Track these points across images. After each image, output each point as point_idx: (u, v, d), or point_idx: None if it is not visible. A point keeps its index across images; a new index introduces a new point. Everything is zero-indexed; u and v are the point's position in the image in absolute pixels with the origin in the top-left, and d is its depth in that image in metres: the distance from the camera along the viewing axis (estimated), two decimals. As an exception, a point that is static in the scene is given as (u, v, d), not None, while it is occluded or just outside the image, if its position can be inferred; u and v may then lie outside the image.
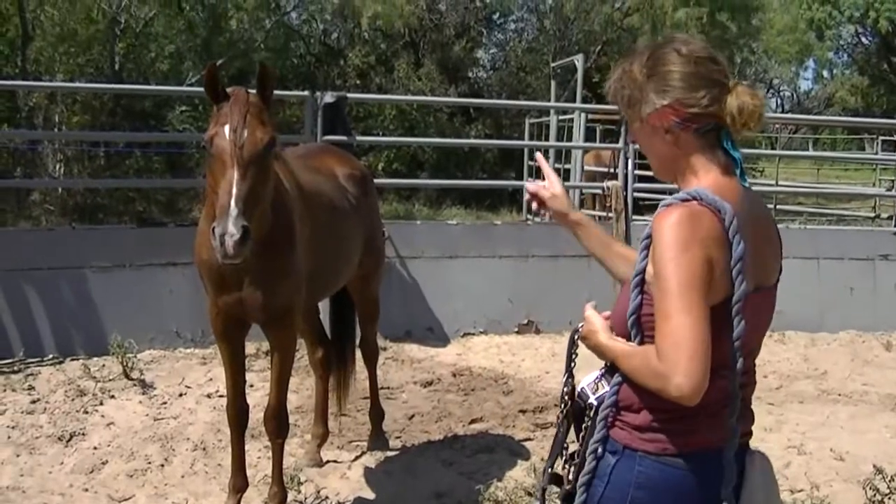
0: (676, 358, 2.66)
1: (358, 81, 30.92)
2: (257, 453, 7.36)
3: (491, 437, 8.11)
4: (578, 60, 18.97)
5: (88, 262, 10.03)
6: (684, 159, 2.98)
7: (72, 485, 6.87)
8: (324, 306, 7.87)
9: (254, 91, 5.40)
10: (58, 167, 23.61)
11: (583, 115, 16.93)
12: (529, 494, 6.64)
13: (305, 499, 6.66)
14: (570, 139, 17.37)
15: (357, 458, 7.59)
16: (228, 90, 5.34)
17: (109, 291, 10.05)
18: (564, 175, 17.51)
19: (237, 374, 6.24)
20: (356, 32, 33.58)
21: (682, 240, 2.73)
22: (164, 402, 8.71)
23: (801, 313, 12.01)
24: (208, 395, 8.85)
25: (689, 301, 2.68)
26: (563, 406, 3.19)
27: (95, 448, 7.58)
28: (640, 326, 2.91)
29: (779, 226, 3.16)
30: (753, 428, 3.13)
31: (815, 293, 12.34)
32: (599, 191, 14.63)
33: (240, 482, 6.31)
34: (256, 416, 6.60)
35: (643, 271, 2.89)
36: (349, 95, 12.68)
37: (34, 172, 23.20)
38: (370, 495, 6.88)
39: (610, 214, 12.30)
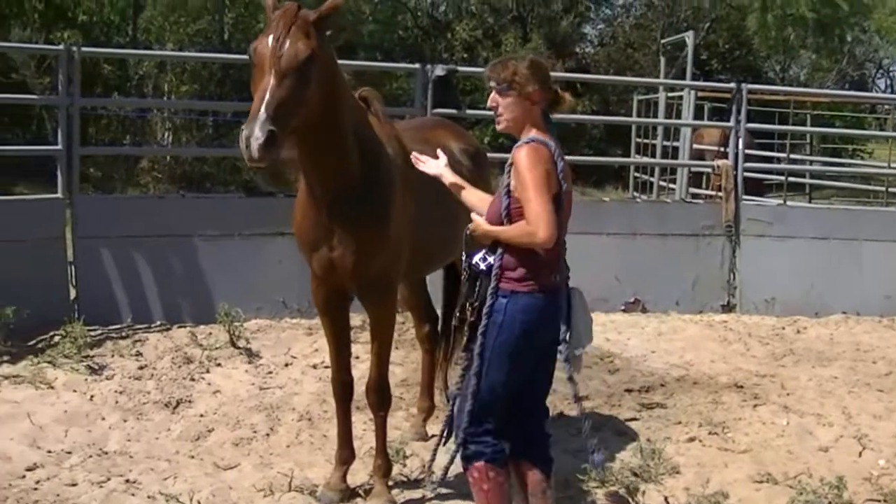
0: (538, 221, 4.78)
1: (465, 55, 30.86)
2: (362, 426, 7.32)
3: (596, 416, 7.97)
4: (689, 37, 18.69)
5: (197, 230, 10.13)
6: (531, 120, 5.04)
7: (178, 451, 6.96)
8: (433, 279, 7.81)
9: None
10: (166, 135, 23.98)
11: (692, 92, 16.65)
12: (636, 475, 6.56)
13: (411, 472, 6.63)
14: (678, 117, 17.08)
15: (462, 433, 7.54)
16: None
17: (217, 260, 10.14)
18: (672, 153, 17.25)
19: (340, 348, 6.26)
20: (464, 6, 33.59)
21: (532, 160, 4.87)
22: (270, 372, 8.77)
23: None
24: (314, 366, 8.87)
25: (541, 192, 4.81)
26: (465, 273, 5.18)
27: (201, 415, 7.67)
28: (510, 217, 4.99)
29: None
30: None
31: (932, 278, 12.01)
32: (709, 170, 14.42)
33: (346, 454, 6.32)
34: (361, 388, 6.57)
35: (509, 184, 4.97)
36: (459, 69, 12.59)
37: (143, 140, 23.55)
38: (475, 471, 6.82)
39: (720, 194, 12.10)
